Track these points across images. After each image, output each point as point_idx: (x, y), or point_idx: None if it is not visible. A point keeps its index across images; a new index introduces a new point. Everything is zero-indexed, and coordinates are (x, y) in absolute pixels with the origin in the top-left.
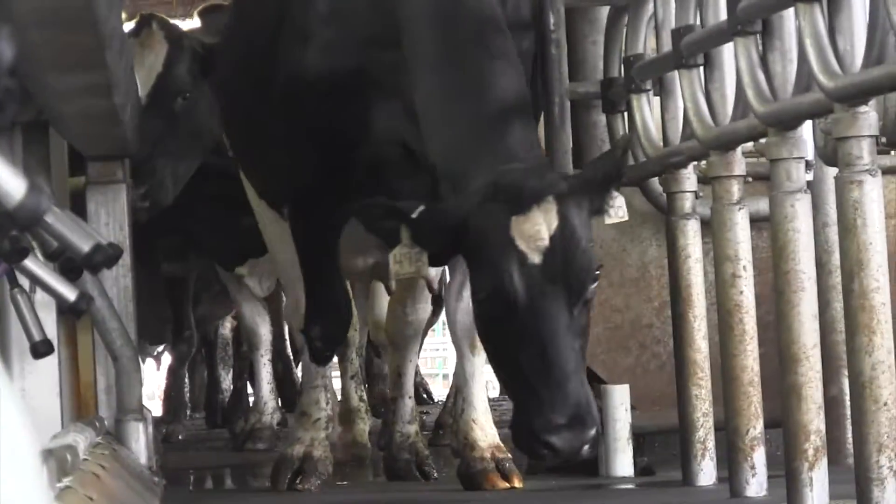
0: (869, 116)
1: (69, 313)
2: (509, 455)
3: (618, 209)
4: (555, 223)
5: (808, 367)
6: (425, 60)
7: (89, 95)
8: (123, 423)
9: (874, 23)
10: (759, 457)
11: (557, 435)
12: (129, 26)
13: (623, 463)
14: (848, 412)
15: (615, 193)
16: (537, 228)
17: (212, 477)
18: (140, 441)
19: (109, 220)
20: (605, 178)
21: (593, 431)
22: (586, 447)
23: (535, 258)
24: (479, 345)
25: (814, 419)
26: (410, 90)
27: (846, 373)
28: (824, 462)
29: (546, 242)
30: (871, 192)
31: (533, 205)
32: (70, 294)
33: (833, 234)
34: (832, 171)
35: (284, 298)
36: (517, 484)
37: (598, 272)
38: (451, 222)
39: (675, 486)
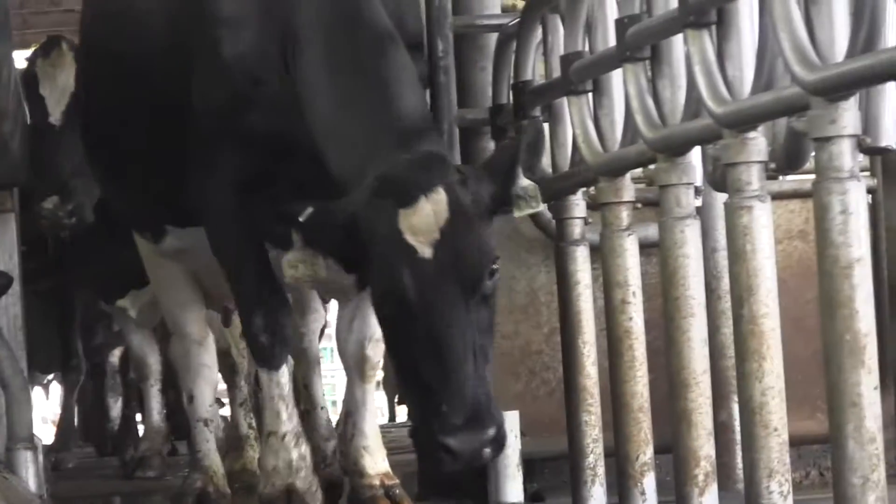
0: (758, 142)
1: None
2: (397, 481)
3: (529, 200)
4: (445, 215)
5: (697, 393)
6: (319, 68)
7: None
8: (14, 452)
9: (763, 49)
10: (649, 482)
11: (454, 437)
12: (20, 54)
13: (513, 489)
14: (738, 437)
15: (525, 182)
16: (426, 221)
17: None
18: (30, 469)
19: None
20: (504, 166)
21: (493, 431)
22: (486, 449)
23: (426, 252)
24: (369, 372)
25: (704, 444)
26: (307, 99)
27: (736, 398)
28: (714, 487)
29: (437, 235)
30: (761, 218)
31: (421, 196)
32: None
33: (722, 259)
34: (721, 197)
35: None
36: None
37: (496, 265)
38: (340, 220)
39: None
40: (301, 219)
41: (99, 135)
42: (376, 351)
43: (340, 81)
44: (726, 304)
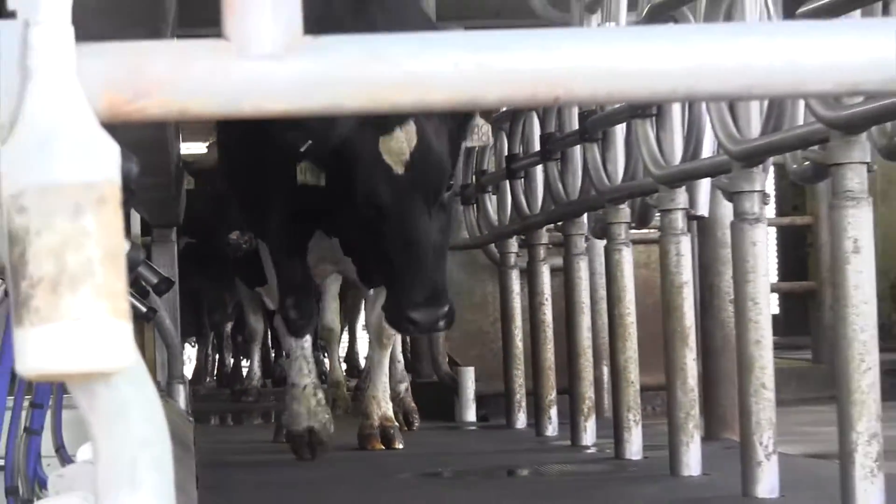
0: (626, 211)
1: (141, 319)
2: (396, 424)
3: (481, 136)
4: (414, 141)
5: (584, 359)
6: None
7: (156, 190)
8: (172, 384)
9: (690, 131)
10: (553, 411)
11: (417, 311)
12: None
13: (470, 413)
14: (607, 387)
15: (478, 121)
16: (400, 145)
17: (219, 417)
18: (181, 395)
19: (165, 263)
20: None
21: (446, 308)
22: (441, 322)
23: (399, 169)
24: (384, 340)
25: (587, 390)
26: None
27: (606, 363)
28: (594, 416)
29: (407, 157)
30: (626, 256)
31: (396, 126)
32: (142, 307)
33: (601, 278)
34: (602, 242)
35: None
36: (396, 446)
37: (451, 182)
38: (332, 146)
39: (502, 429)
40: (302, 149)
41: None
42: None
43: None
44: (603, 306)
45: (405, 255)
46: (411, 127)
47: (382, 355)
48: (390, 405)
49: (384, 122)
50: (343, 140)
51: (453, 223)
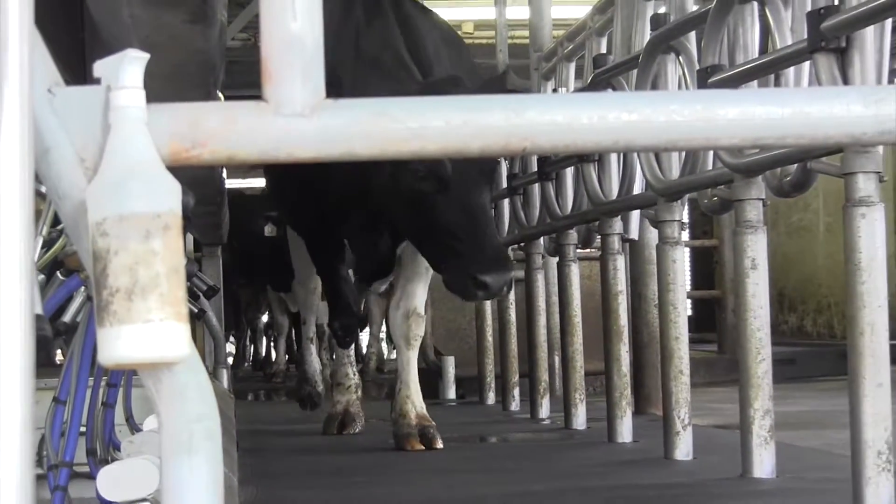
0: (573, 234)
1: (194, 318)
2: (433, 423)
3: None
4: None
5: (541, 350)
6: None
7: (206, 217)
8: (217, 368)
9: (624, 173)
10: (516, 391)
11: (489, 274)
12: None
13: (451, 392)
14: (559, 371)
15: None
16: None
17: (254, 394)
18: (225, 378)
19: (212, 274)
20: (497, 89)
21: (511, 274)
22: (506, 286)
23: None
24: (412, 341)
25: (543, 374)
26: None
27: (558, 353)
28: (548, 395)
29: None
30: (574, 270)
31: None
32: (195, 308)
33: (553, 286)
34: (555, 259)
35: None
36: (436, 446)
37: (497, 162)
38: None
39: (475, 405)
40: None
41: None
42: (418, 323)
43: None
44: (555, 309)
45: (471, 224)
46: None
47: (411, 356)
48: (424, 405)
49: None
50: None
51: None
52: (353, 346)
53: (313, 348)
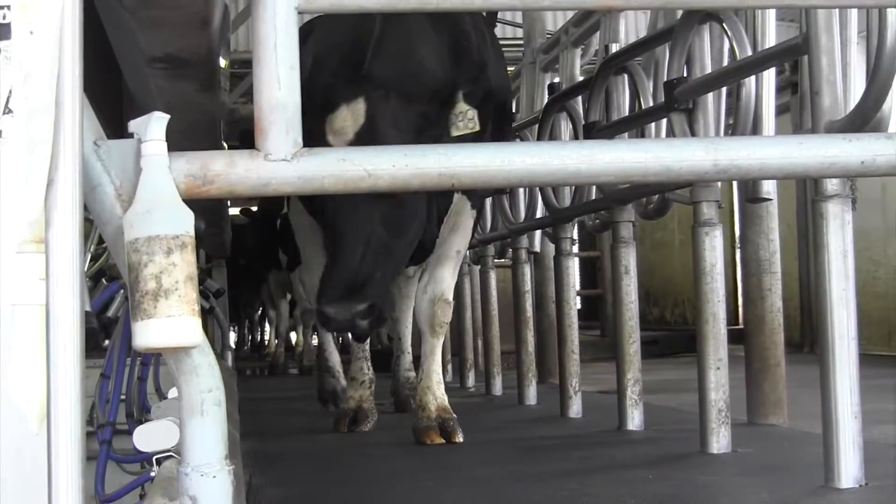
0: (491, 248)
1: (205, 314)
2: (454, 416)
3: (467, 122)
4: (361, 120)
5: (492, 334)
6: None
7: (213, 237)
8: (223, 351)
9: (530, 201)
10: (450, 367)
11: (329, 305)
12: None
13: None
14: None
15: (462, 107)
16: (343, 124)
17: (251, 370)
18: (228, 358)
19: (219, 279)
20: (448, 89)
21: (362, 306)
22: (360, 320)
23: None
24: (437, 328)
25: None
26: None
27: (480, 340)
28: (501, 378)
29: (350, 137)
30: (493, 276)
31: (342, 104)
32: (206, 306)
33: (486, 289)
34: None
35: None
36: (456, 440)
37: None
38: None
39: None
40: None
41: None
42: (444, 310)
43: None
44: (478, 304)
45: (332, 247)
46: (359, 105)
47: (435, 344)
48: (446, 396)
49: (334, 99)
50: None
51: (419, 220)
52: (367, 340)
53: (330, 337)
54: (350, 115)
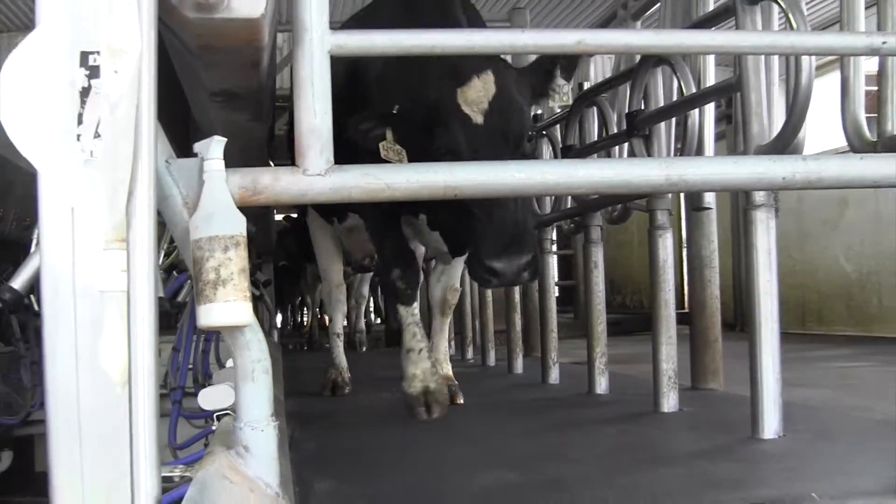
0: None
1: (255, 300)
2: (456, 382)
3: (563, 95)
4: (493, 90)
5: (486, 318)
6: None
7: (261, 237)
8: (270, 330)
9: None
10: (452, 343)
11: (498, 260)
12: None
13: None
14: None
15: (561, 80)
16: (477, 94)
17: (292, 345)
18: (274, 335)
19: (266, 272)
20: (548, 65)
21: (527, 258)
22: (524, 272)
23: (478, 119)
24: (446, 310)
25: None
26: None
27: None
28: (489, 354)
29: (485, 106)
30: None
31: (474, 76)
32: (256, 293)
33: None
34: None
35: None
36: (458, 402)
37: (532, 133)
38: (421, 105)
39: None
40: (394, 111)
41: None
42: (453, 295)
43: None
44: (476, 292)
45: (485, 205)
46: (489, 76)
47: (444, 322)
48: (450, 366)
49: (461, 73)
50: (426, 98)
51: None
52: (417, 304)
53: (341, 344)
54: (482, 86)
